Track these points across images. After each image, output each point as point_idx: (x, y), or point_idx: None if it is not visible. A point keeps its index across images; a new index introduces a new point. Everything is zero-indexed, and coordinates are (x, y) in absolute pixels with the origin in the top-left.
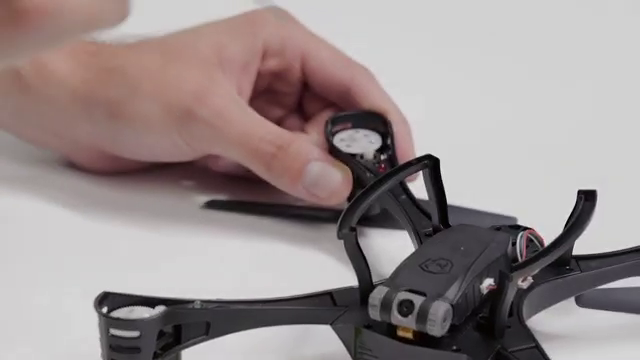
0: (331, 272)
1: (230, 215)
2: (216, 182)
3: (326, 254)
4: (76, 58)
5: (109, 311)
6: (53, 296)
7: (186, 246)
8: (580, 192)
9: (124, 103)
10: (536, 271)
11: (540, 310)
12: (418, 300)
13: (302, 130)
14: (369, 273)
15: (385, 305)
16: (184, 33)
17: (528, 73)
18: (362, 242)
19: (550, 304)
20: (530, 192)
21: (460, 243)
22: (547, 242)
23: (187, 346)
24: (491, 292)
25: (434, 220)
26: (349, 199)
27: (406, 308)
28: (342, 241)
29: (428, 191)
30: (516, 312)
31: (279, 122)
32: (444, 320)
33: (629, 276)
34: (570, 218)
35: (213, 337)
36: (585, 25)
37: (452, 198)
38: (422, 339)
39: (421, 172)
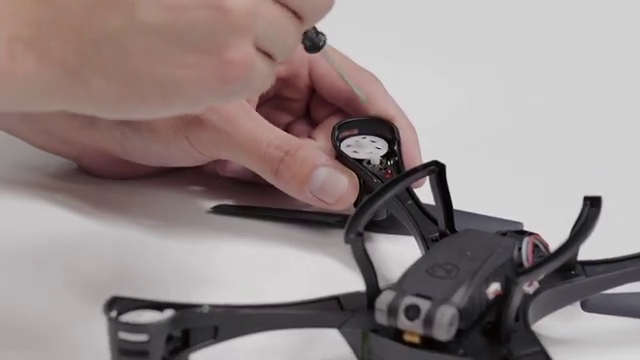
0: (338, 277)
1: (237, 220)
2: (224, 187)
3: (333, 259)
4: None
5: (118, 315)
6: (60, 299)
7: (194, 250)
8: (586, 198)
9: None
10: (542, 276)
11: (546, 315)
12: (425, 305)
13: (309, 136)
14: (376, 278)
15: (392, 310)
16: None
17: (529, 80)
18: (369, 247)
19: (556, 309)
20: (536, 198)
21: (466, 248)
22: (553, 247)
23: (195, 350)
24: (497, 297)
25: (440, 225)
26: (356, 204)
27: (413, 313)
28: (349, 246)
29: (434, 196)
30: (522, 317)
31: (286, 128)
32: (450, 324)
33: (634, 281)
34: (576, 224)
35: (221, 341)
36: (597, 26)
37: (458, 203)
38: (429, 344)
39: (427, 178)
